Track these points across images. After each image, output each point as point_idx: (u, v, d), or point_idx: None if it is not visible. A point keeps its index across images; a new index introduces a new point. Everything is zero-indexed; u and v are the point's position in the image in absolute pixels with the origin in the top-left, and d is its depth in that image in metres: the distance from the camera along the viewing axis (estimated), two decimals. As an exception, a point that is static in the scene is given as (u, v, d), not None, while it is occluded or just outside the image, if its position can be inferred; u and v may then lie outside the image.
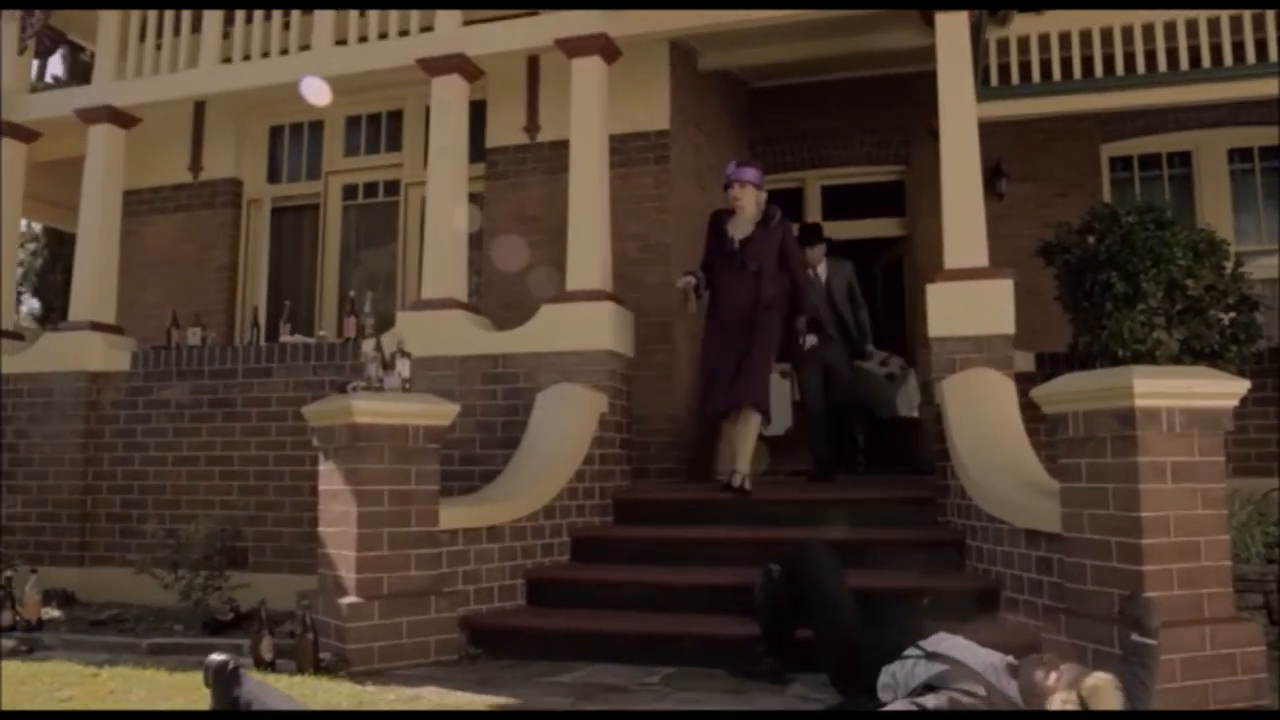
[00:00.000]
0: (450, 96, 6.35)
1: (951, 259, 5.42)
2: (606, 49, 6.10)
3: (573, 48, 6.09)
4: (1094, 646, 3.68)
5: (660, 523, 5.61)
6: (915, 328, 8.73)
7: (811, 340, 5.97)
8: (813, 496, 5.72)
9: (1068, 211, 8.10)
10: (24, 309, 13.09)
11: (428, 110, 7.58)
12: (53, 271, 11.82)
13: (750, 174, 5.93)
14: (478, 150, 7.11)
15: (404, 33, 6.55)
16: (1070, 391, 3.91)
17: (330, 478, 4.64)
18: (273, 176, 8.16)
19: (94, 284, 6.99)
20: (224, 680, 2.89)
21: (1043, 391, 4.05)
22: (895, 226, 9.28)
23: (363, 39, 6.63)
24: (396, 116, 7.85)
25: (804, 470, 6.85)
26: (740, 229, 5.86)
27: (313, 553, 6.05)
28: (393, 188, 7.81)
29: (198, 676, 4.19)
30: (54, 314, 11.93)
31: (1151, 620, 3.41)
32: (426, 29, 6.48)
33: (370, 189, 7.90)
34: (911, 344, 8.65)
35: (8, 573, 5.46)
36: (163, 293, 7.79)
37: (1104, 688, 3.12)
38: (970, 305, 5.28)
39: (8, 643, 4.90)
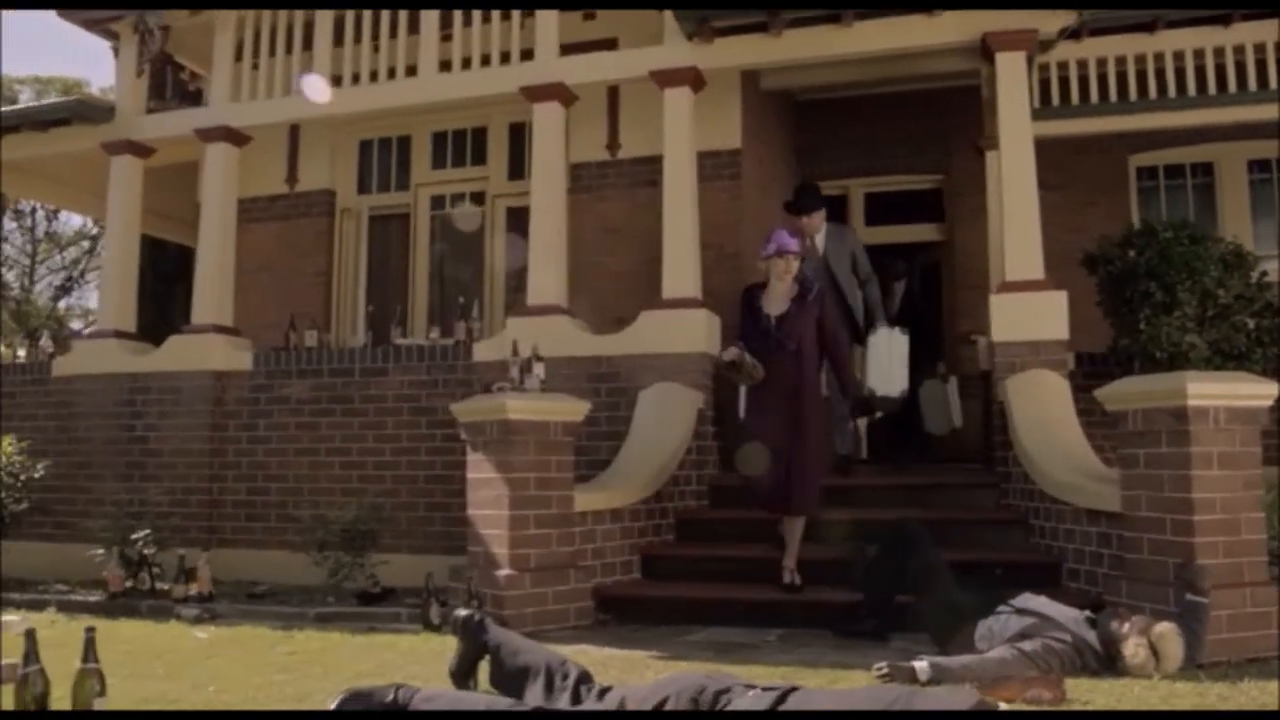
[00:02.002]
0: (550, 121, 7.10)
1: (1012, 273, 6.20)
2: (695, 80, 6.86)
3: (665, 79, 6.85)
4: (1151, 606, 4.45)
5: (751, 506, 6.37)
6: (954, 326, 9.56)
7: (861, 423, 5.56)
8: (887, 482, 6.52)
9: (1097, 219, 8.92)
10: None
11: (511, 127, 8.41)
12: (124, 272, 12.50)
13: (797, 245, 5.62)
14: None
15: (505, 56, 7.25)
16: (1131, 392, 4.70)
17: (480, 467, 5.41)
18: (362, 188, 8.91)
19: (214, 290, 7.75)
20: (472, 629, 3.65)
21: (1106, 392, 4.83)
22: (934, 231, 10.07)
23: (466, 62, 7.34)
24: (481, 132, 8.59)
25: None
26: (775, 305, 5.53)
27: (428, 534, 6.90)
28: (478, 199, 8.57)
29: (380, 638, 5.05)
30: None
31: (1204, 583, 4.21)
32: (526, 55, 7.19)
33: (457, 200, 8.66)
34: (950, 342, 9.47)
35: (180, 551, 6.24)
36: (260, 297, 8.52)
37: (1169, 634, 3.94)
38: (1029, 314, 6.07)
39: (191, 611, 5.68)
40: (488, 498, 5.35)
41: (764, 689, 2.85)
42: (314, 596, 6.15)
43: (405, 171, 8.78)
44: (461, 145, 8.68)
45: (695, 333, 6.58)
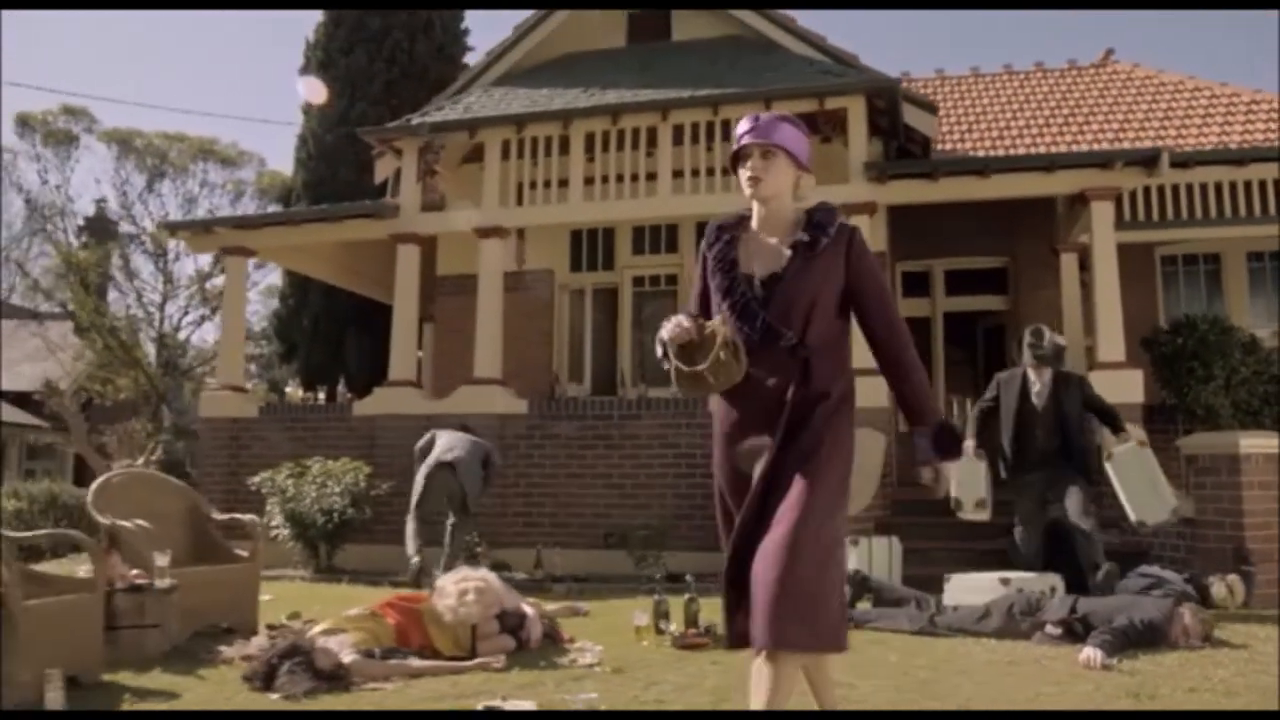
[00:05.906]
0: (761, 234, 10.25)
1: (1103, 355, 9.52)
2: (872, 209, 10.10)
3: (850, 210, 10.04)
4: (1217, 575, 7.76)
5: (931, 514, 9.60)
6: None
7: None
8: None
9: (1129, 298, 12.29)
10: (269, 347, 16.72)
11: (697, 223, 11.58)
12: (298, 317, 15.28)
13: (789, 135, 3.25)
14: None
15: (725, 172, 10.38)
16: (1203, 443, 8.01)
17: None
18: (574, 267, 12.00)
19: (491, 350, 10.74)
20: (860, 579, 6.79)
21: (1187, 441, 8.14)
22: (1000, 302, 13.44)
23: (694, 174, 10.43)
24: (673, 227, 11.75)
25: None
26: (763, 258, 3.23)
27: (675, 536, 9.95)
28: (672, 279, 11.72)
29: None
30: (297, 351, 15.39)
31: (1252, 560, 7.52)
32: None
33: (654, 280, 11.80)
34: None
35: (539, 546, 9.27)
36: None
37: (1237, 582, 7.23)
38: (1115, 384, 9.34)
39: (561, 587, 8.69)
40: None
41: (1061, 599, 6.06)
42: (624, 580, 9.18)
43: (610, 255, 11.90)
44: (657, 236, 11.83)
45: (880, 393, 9.76)
